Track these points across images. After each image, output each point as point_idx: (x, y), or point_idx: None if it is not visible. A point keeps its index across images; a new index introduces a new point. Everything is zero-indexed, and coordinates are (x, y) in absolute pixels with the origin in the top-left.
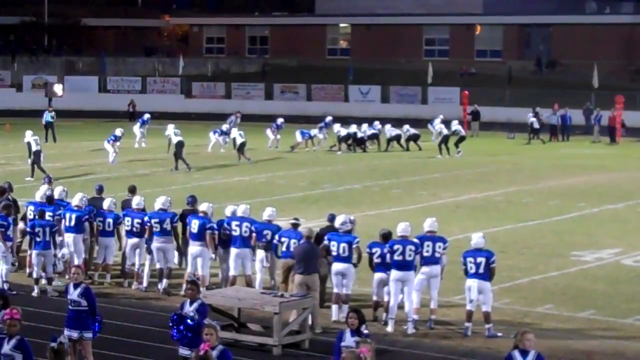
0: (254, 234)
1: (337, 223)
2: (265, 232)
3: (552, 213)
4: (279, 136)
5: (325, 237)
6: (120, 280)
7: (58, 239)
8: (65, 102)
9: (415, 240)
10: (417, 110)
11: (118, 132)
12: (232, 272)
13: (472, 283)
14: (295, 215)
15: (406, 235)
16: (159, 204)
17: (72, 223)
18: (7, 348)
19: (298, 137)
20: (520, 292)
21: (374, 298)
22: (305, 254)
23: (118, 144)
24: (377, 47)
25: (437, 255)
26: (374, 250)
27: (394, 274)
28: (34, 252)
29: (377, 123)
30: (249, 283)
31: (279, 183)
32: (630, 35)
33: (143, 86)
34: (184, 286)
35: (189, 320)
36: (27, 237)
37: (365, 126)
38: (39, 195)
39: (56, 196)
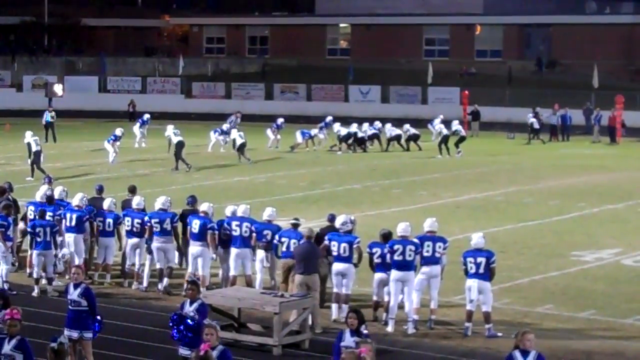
0: (254, 234)
1: (337, 223)
2: (265, 232)
3: (552, 213)
4: (279, 136)
5: (326, 237)
6: (120, 280)
7: (58, 239)
8: (65, 102)
9: (416, 240)
10: (417, 110)
11: (118, 131)
12: (232, 272)
13: (472, 283)
14: (295, 215)
15: (406, 235)
16: (159, 204)
17: (73, 223)
18: (7, 348)
19: (298, 137)
20: (520, 292)
21: (374, 298)
22: (305, 254)
23: (118, 143)
24: (377, 47)
25: (437, 255)
26: (374, 250)
27: (394, 274)
28: (35, 252)
29: (377, 123)
30: (249, 283)
31: (279, 183)
32: (630, 35)
33: (143, 86)
34: (185, 286)
35: (189, 321)
36: (28, 237)
37: (366, 125)
38: (39, 195)
39: (56, 196)
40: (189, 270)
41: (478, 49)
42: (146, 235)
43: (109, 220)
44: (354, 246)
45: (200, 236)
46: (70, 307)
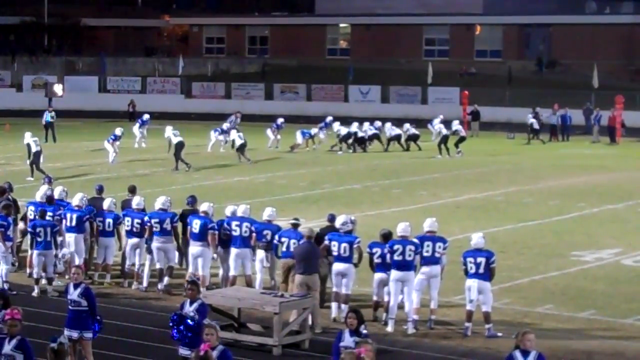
0: (254, 234)
1: (338, 223)
2: (265, 232)
3: (552, 213)
4: (279, 136)
5: (326, 237)
6: (120, 280)
7: (59, 239)
8: (65, 102)
9: (415, 240)
10: (417, 110)
11: (118, 131)
12: (232, 272)
13: (472, 283)
14: (295, 215)
15: (406, 235)
16: (159, 203)
17: (74, 223)
18: (8, 348)
19: (299, 137)
20: (520, 292)
21: (374, 298)
22: (305, 254)
23: (118, 143)
24: (377, 47)
25: (437, 255)
26: (374, 250)
27: (394, 274)
28: (35, 252)
29: (377, 122)
30: (249, 283)
31: (279, 183)
32: (630, 35)
33: (143, 86)
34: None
35: (189, 321)
36: (27, 237)
37: (367, 125)
38: (39, 195)
39: (56, 196)
40: (189, 270)
41: (478, 49)
42: (146, 235)
43: (109, 220)
44: (355, 246)
45: (201, 236)
46: (70, 307)
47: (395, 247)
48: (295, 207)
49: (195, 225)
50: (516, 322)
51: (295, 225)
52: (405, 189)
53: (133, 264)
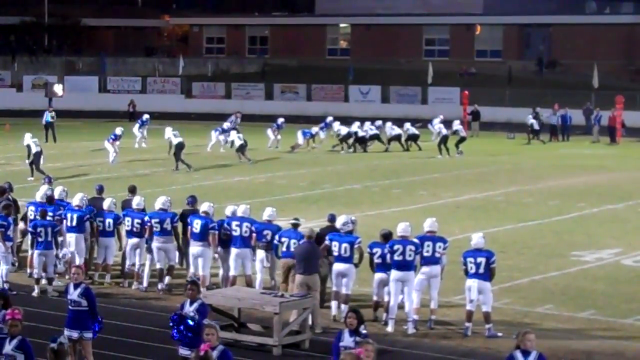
0: (254, 234)
1: (338, 223)
2: (265, 232)
3: (552, 213)
4: (279, 136)
5: (327, 238)
6: (120, 280)
7: (59, 239)
8: (65, 102)
9: (415, 240)
10: (417, 110)
11: (118, 130)
12: (232, 272)
13: (472, 283)
14: (295, 215)
15: (406, 235)
16: (159, 203)
17: (74, 223)
18: (8, 348)
19: (299, 137)
20: (520, 292)
21: (374, 298)
22: (306, 254)
23: (118, 143)
24: (377, 47)
25: (437, 255)
26: (374, 250)
27: (394, 274)
28: (36, 252)
29: (378, 121)
30: (249, 283)
31: (279, 183)
32: (630, 35)
33: (143, 86)
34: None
35: (189, 321)
36: (28, 237)
37: (368, 124)
38: (39, 195)
39: (56, 196)
40: (190, 270)
41: (478, 49)
42: (146, 235)
43: (109, 221)
44: (355, 246)
45: (202, 236)
46: (70, 307)
47: (396, 247)
48: (295, 207)
49: (196, 225)
50: (516, 322)
51: (296, 225)
52: (405, 189)
53: (133, 264)
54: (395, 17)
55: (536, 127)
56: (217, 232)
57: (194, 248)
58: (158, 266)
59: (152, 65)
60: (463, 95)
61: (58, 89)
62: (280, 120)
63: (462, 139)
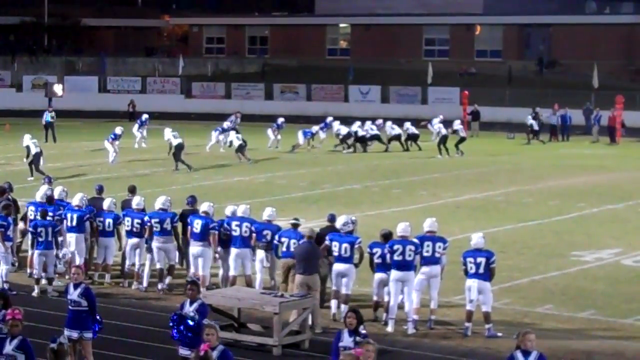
0: (254, 234)
1: (338, 223)
2: (265, 232)
3: (552, 213)
4: (279, 136)
5: (327, 238)
6: (120, 280)
7: (59, 239)
8: (65, 102)
9: (415, 240)
10: (417, 110)
11: (118, 130)
12: (232, 272)
13: (472, 283)
14: (295, 215)
15: (406, 235)
16: (159, 203)
17: (74, 223)
18: (9, 348)
19: (300, 137)
20: (520, 292)
21: (374, 298)
22: (306, 254)
23: (118, 142)
24: (377, 47)
25: (437, 255)
26: (374, 250)
27: (394, 274)
28: (36, 252)
29: (379, 120)
30: (249, 283)
31: (279, 183)
32: (630, 35)
33: (143, 86)
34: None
35: (189, 321)
36: (28, 237)
37: (368, 124)
38: (39, 195)
39: (56, 196)
40: (190, 270)
41: (478, 49)
42: (146, 235)
43: (109, 221)
44: (356, 246)
45: (202, 236)
46: (70, 307)
47: (395, 247)
48: (295, 207)
49: (197, 225)
50: (516, 322)
51: (295, 225)
52: (405, 189)
53: (133, 264)
54: (395, 17)
55: (535, 127)
56: (217, 232)
57: (194, 248)
58: (158, 266)
59: (152, 65)
60: (463, 95)
61: (58, 89)
62: (281, 120)
63: (462, 140)
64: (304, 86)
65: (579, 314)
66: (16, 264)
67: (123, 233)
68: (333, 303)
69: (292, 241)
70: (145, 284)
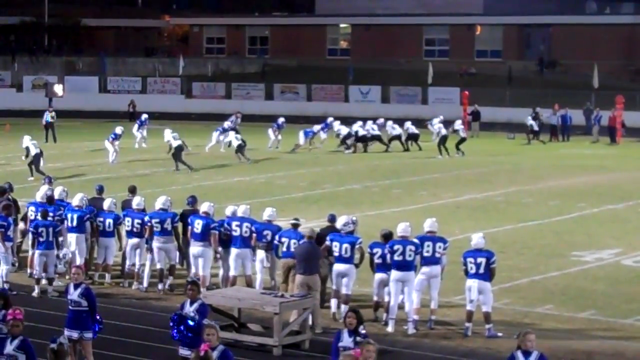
0: (254, 235)
1: (339, 224)
2: (265, 232)
3: (552, 213)
4: (279, 136)
5: (328, 238)
6: (120, 280)
7: (60, 239)
8: (65, 102)
9: (416, 240)
10: (417, 110)
11: (118, 130)
12: (232, 273)
13: (472, 283)
14: (295, 215)
15: (406, 235)
16: (159, 203)
17: (75, 223)
18: (10, 348)
19: (301, 138)
20: (520, 292)
21: (375, 298)
22: (306, 254)
23: (118, 142)
24: (377, 47)
25: (437, 255)
26: (375, 250)
27: (394, 274)
28: (37, 252)
29: (380, 119)
30: (249, 283)
31: (279, 183)
32: (630, 35)
33: (143, 86)
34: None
35: (189, 321)
36: (28, 238)
37: (370, 123)
38: (40, 195)
39: (56, 196)
40: (191, 270)
41: (478, 49)
42: (146, 235)
43: (109, 221)
44: (356, 247)
45: (203, 236)
46: (70, 307)
47: (396, 247)
48: (295, 207)
49: (198, 225)
50: (516, 322)
51: (296, 226)
52: (405, 189)
53: (133, 264)
54: (395, 17)
55: (535, 127)
56: (217, 232)
57: (195, 248)
58: (158, 266)
59: (152, 65)
60: (463, 96)
61: (58, 89)
62: (281, 120)
63: (462, 140)
64: (304, 86)
65: (579, 314)
66: (16, 264)
67: (123, 233)
68: (333, 302)
69: (293, 241)
70: (145, 284)
